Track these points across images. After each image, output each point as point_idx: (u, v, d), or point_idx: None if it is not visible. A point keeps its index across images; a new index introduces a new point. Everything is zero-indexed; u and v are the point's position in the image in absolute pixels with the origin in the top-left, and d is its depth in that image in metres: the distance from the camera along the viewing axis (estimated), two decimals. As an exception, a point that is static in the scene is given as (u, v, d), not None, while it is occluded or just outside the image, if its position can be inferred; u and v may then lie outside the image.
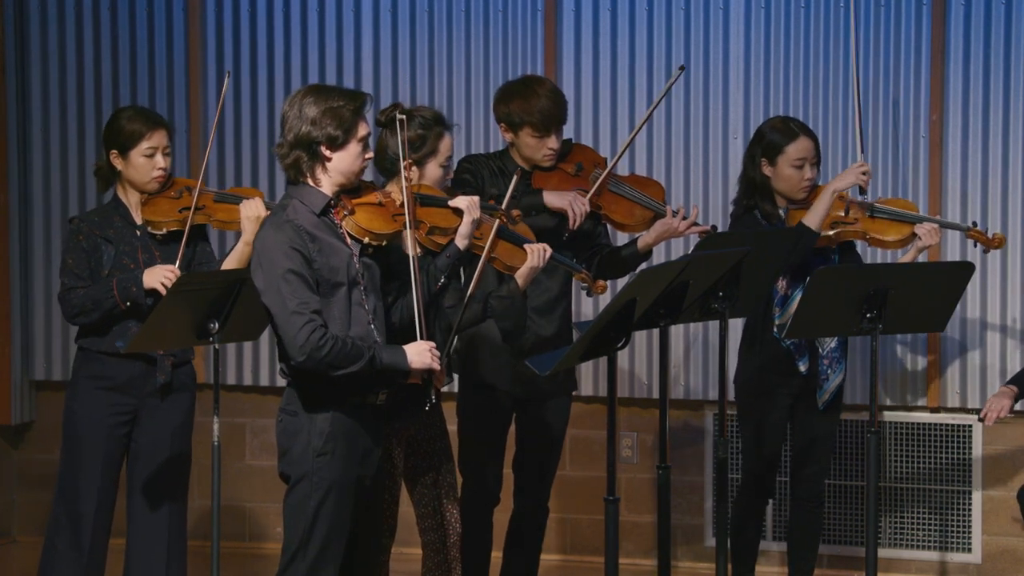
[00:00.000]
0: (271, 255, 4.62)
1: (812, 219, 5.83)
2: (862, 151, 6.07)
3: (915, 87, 6.90)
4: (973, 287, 6.72)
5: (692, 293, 4.95)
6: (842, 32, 6.95)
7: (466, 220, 4.96)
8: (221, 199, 5.67)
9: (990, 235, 5.97)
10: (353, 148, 4.70)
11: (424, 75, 7.32)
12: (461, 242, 4.96)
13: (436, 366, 4.74)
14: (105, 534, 5.67)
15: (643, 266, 5.90)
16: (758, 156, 5.98)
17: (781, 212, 5.98)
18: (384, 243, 4.82)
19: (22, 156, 7.59)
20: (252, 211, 5.51)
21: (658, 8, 7.10)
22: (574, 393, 6.02)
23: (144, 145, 5.58)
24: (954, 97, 6.88)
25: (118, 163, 5.61)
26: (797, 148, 5.93)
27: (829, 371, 5.98)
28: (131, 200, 5.65)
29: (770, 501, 6.21)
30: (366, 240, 4.76)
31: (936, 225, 5.93)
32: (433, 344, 4.75)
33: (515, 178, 5.31)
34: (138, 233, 5.63)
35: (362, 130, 4.70)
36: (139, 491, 5.67)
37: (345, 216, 4.75)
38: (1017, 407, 6.79)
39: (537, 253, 5.19)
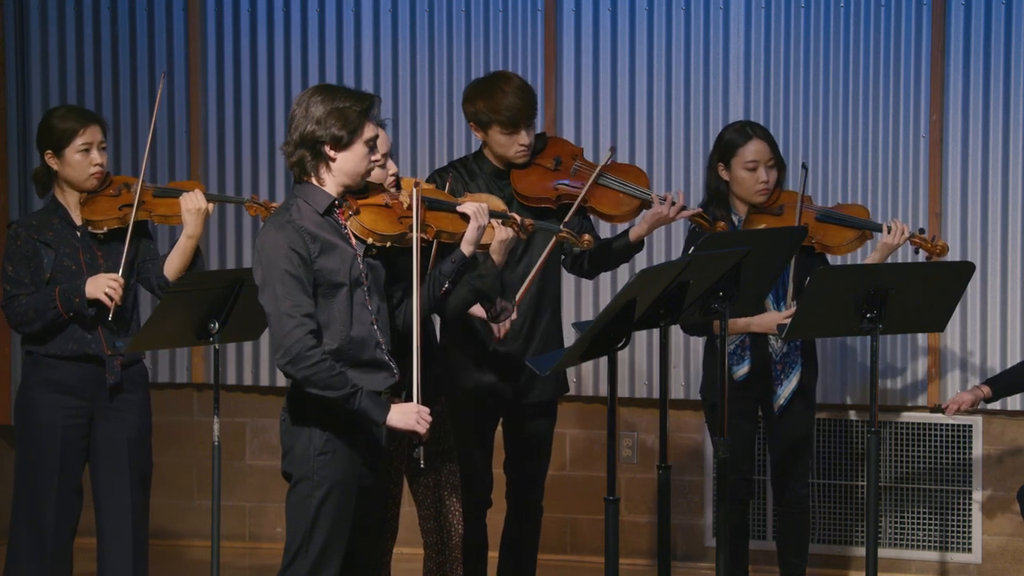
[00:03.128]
0: (270, 255, 4.62)
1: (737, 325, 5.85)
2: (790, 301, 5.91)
3: (915, 87, 6.90)
4: (973, 287, 6.72)
5: (692, 293, 4.94)
6: (842, 32, 6.95)
7: (472, 226, 4.93)
8: (161, 194, 5.60)
9: (933, 242, 5.93)
10: (358, 149, 4.69)
11: (424, 75, 7.32)
12: (467, 248, 4.93)
13: (420, 430, 4.68)
14: (68, 538, 5.61)
15: (642, 264, 5.90)
16: (715, 161, 5.98)
17: (736, 219, 5.96)
18: (388, 244, 4.81)
19: (22, 156, 7.59)
20: (192, 204, 5.47)
21: (658, 8, 7.11)
22: (574, 393, 6.01)
23: (78, 142, 5.50)
24: (954, 97, 6.88)
25: (53, 163, 5.53)
26: (749, 150, 5.91)
27: (782, 376, 5.95)
28: (70, 201, 5.57)
29: (750, 502, 6.19)
30: (370, 241, 4.75)
31: (898, 221, 5.90)
32: (425, 409, 4.69)
33: (448, 182, 5.27)
34: (79, 234, 5.55)
35: (368, 132, 4.69)
36: (103, 493, 5.60)
37: (350, 216, 4.74)
38: (1017, 407, 6.81)
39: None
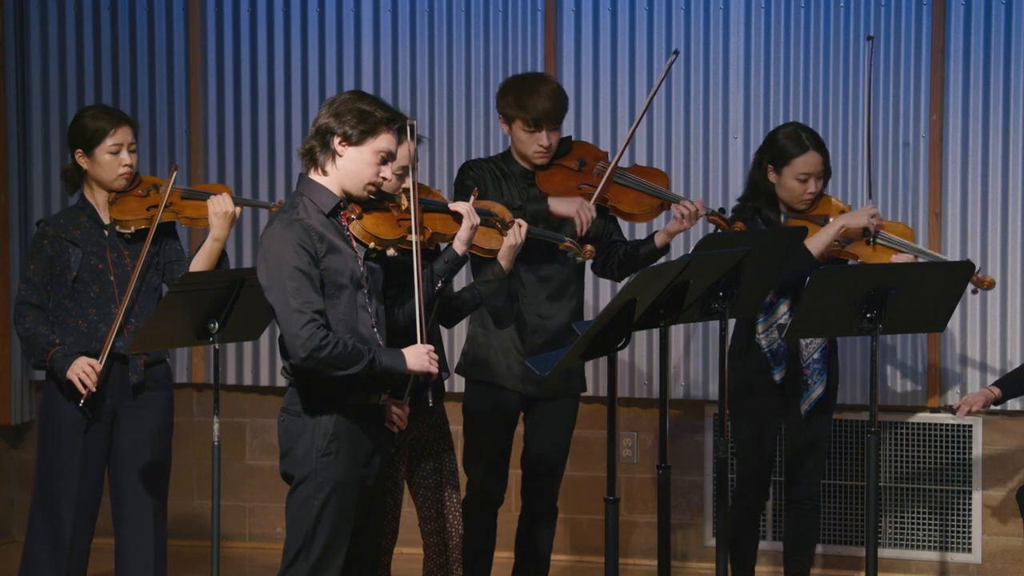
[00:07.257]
0: (279, 252, 4.62)
1: (815, 245, 5.81)
2: (870, 196, 6.00)
3: (915, 87, 6.90)
4: (973, 287, 6.73)
5: (692, 293, 4.95)
6: (842, 32, 6.95)
7: (465, 225, 4.97)
8: (189, 196, 5.62)
9: (981, 276, 5.93)
10: (366, 153, 4.68)
11: (424, 75, 7.32)
12: (459, 247, 4.97)
13: (433, 369, 4.74)
14: (87, 537, 5.63)
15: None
16: (765, 161, 5.97)
17: (782, 219, 5.97)
18: (387, 248, 4.82)
19: (22, 156, 7.59)
20: (220, 207, 5.49)
21: (658, 8, 7.11)
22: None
23: (109, 142, 5.53)
24: (954, 97, 6.88)
25: (83, 162, 5.56)
26: (804, 162, 5.91)
27: (811, 381, 5.96)
28: (98, 200, 5.60)
29: (766, 503, 6.19)
30: (371, 245, 4.77)
31: (910, 255, 5.91)
32: (431, 347, 4.76)
33: (472, 197, 5.31)
34: (106, 233, 5.58)
35: (383, 143, 4.68)
36: (124, 492, 5.62)
37: (352, 220, 4.75)
38: (1017, 407, 6.81)
39: (512, 231, 5.20)
